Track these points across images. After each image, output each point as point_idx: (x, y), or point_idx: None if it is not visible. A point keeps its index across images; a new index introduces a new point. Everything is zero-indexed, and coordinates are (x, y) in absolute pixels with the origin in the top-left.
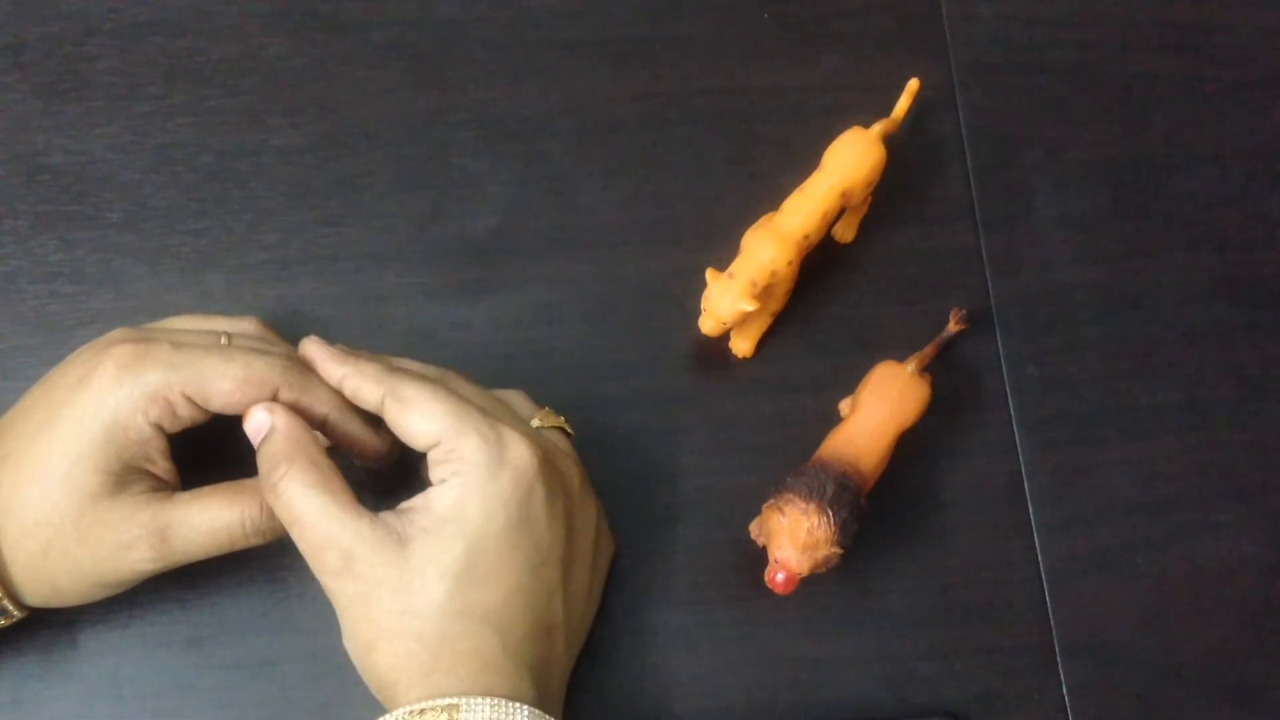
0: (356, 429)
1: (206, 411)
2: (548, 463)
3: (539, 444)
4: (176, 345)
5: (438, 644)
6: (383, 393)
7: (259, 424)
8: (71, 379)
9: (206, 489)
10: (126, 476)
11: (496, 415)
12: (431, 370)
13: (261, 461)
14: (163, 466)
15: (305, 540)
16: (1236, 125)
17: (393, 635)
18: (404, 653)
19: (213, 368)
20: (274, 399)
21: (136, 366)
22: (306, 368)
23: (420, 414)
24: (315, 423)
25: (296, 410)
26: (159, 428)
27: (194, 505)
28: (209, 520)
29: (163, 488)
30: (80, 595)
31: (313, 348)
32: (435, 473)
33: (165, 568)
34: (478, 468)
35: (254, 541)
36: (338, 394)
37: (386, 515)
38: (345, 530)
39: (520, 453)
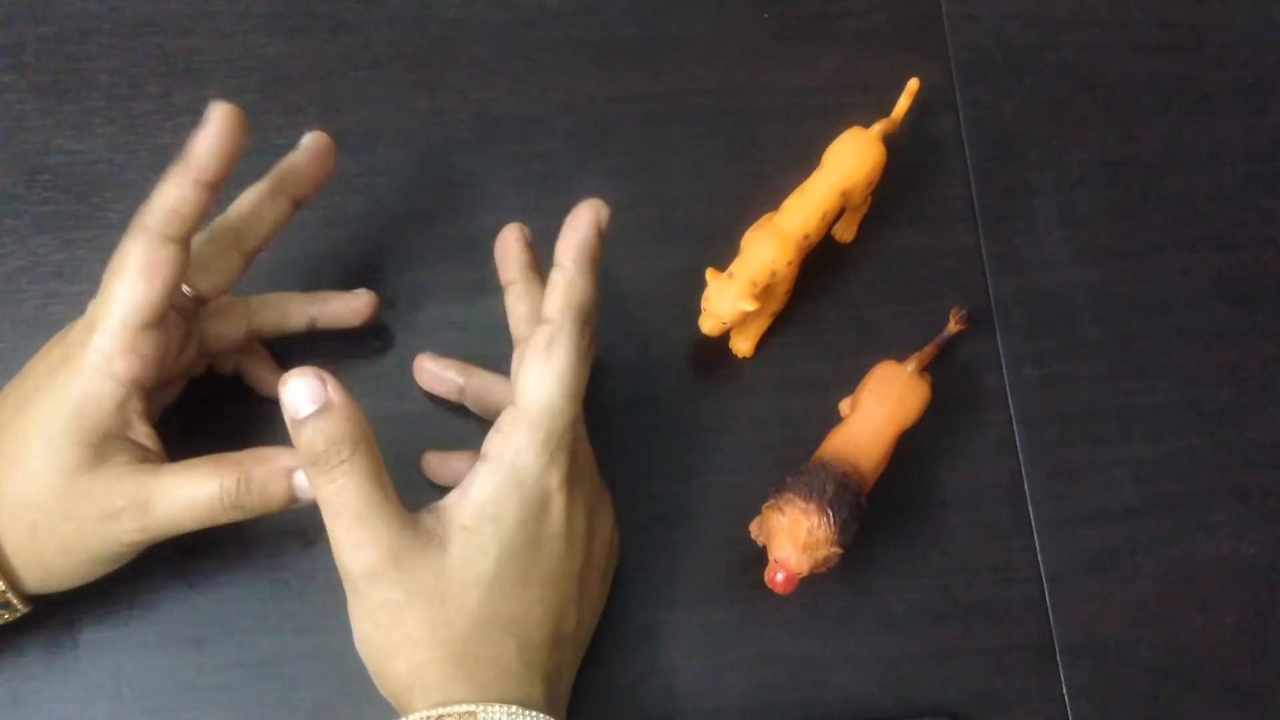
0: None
1: (166, 337)
2: (575, 478)
3: (574, 457)
4: (110, 298)
5: (461, 650)
6: (551, 320)
7: (308, 393)
8: (41, 368)
9: (191, 461)
10: (106, 448)
11: (579, 422)
12: None
13: (315, 439)
14: (143, 431)
15: (349, 534)
16: (1236, 125)
17: (418, 643)
18: (426, 660)
19: (119, 283)
20: (179, 276)
21: (85, 337)
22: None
23: (540, 375)
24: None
25: (213, 185)
26: (134, 384)
27: (175, 477)
28: (188, 493)
29: (148, 458)
30: (74, 575)
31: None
32: (490, 438)
33: (151, 539)
34: (523, 469)
35: (233, 516)
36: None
37: (424, 517)
38: (392, 531)
39: (560, 468)
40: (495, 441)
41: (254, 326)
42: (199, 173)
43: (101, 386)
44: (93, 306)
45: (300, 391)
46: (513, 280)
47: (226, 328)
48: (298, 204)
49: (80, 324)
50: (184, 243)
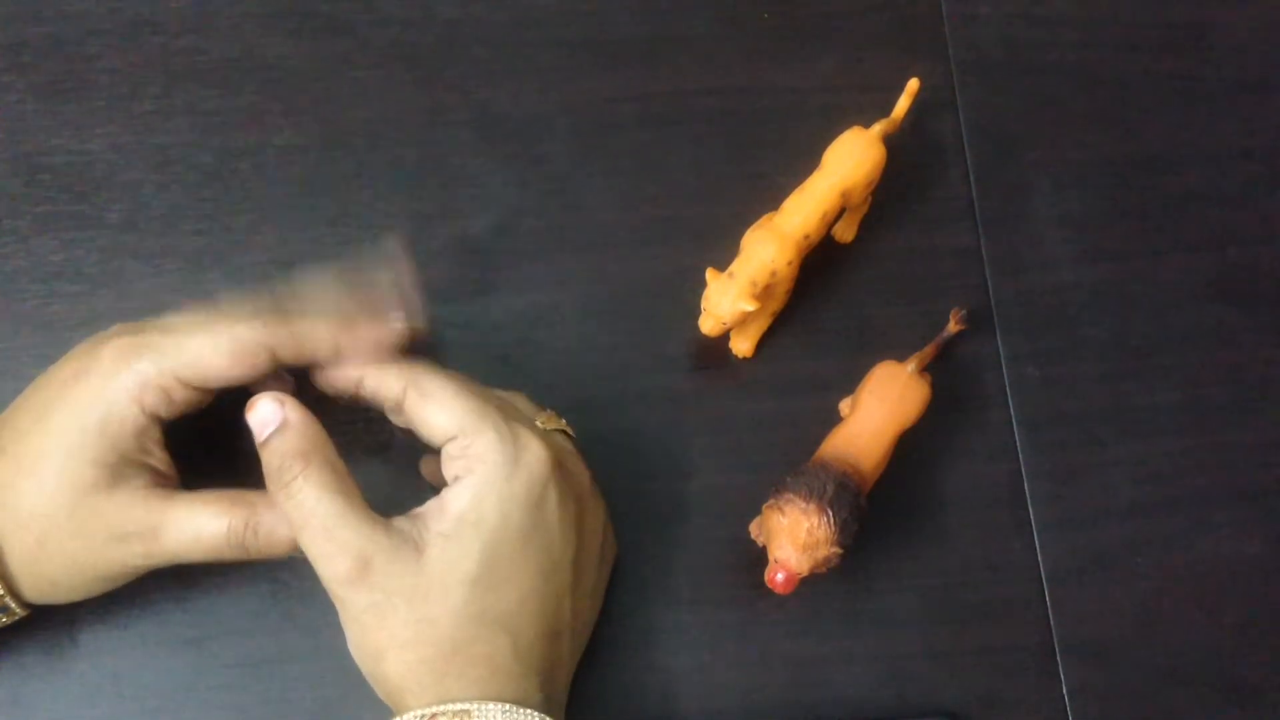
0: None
1: (206, 391)
2: (560, 465)
3: (552, 446)
4: (164, 330)
5: (451, 649)
6: (404, 385)
7: (267, 416)
8: (66, 374)
9: (204, 494)
10: (123, 470)
11: (512, 416)
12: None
13: (271, 457)
14: (159, 458)
15: (317, 546)
16: (1236, 125)
17: (406, 643)
18: (416, 659)
19: (201, 345)
20: (274, 360)
21: (129, 357)
22: (291, 317)
23: (440, 407)
24: (318, 364)
25: (299, 360)
26: (155, 417)
27: (186, 509)
28: (195, 528)
29: (162, 483)
30: (76, 590)
31: (326, 374)
32: (449, 469)
33: (157, 565)
34: (495, 466)
35: (238, 556)
36: (331, 329)
37: (400, 521)
38: (360, 537)
39: (536, 454)
40: (458, 465)
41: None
42: (351, 350)
43: (126, 410)
44: (158, 332)
45: (262, 414)
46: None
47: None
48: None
49: (126, 341)
50: (276, 363)
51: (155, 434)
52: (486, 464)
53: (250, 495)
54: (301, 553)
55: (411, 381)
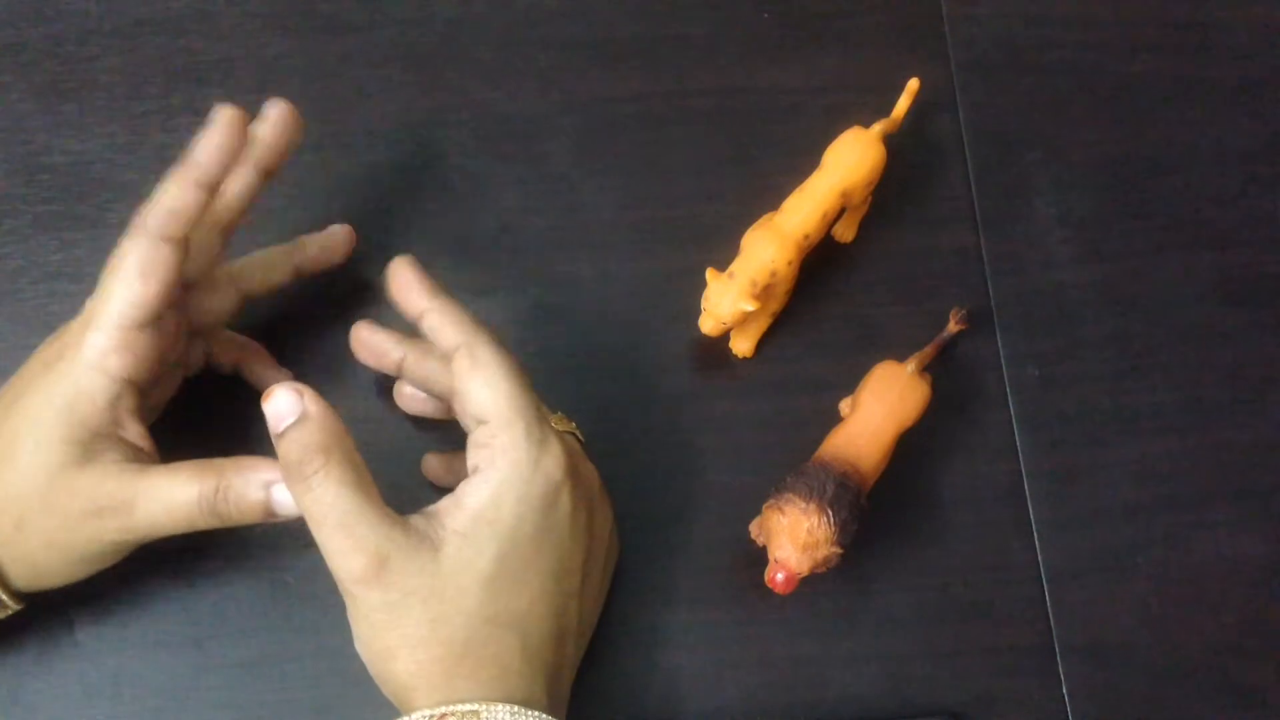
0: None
1: (163, 335)
2: (574, 469)
3: (568, 449)
4: (95, 296)
5: (463, 649)
6: (462, 342)
7: (285, 408)
8: (36, 365)
9: (177, 464)
10: (95, 445)
11: (543, 414)
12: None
13: (290, 450)
14: (134, 431)
15: (334, 542)
16: (1236, 125)
17: (418, 643)
18: (427, 659)
19: (118, 281)
20: (177, 268)
21: (83, 332)
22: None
23: (486, 382)
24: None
25: (213, 186)
26: (127, 381)
27: (160, 480)
28: (168, 497)
29: (138, 458)
30: (60, 572)
31: (403, 270)
32: (472, 456)
33: (136, 540)
34: (516, 466)
35: (211, 523)
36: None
37: (416, 519)
38: (378, 535)
39: (555, 457)
40: (481, 455)
41: (243, 291)
42: (200, 175)
43: (94, 383)
44: (90, 304)
45: (280, 405)
46: (411, 348)
47: (216, 301)
48: (267, 176)
49: (76, 322)
50: (182, 243)
51: (129, 403)
52: (509, 462)
53: (219, 462)
54: (278, 522)
55: (469, 341)
